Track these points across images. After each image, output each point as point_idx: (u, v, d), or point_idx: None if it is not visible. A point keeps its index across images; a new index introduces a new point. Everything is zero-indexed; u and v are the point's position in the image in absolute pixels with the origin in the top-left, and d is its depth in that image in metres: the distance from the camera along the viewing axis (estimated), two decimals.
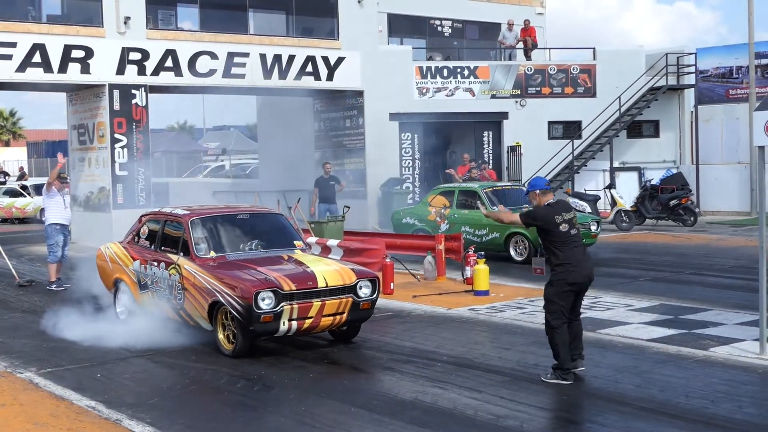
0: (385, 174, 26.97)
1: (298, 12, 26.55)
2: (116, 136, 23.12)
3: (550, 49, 32.05)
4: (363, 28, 27.03)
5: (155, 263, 11.27)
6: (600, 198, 25.77)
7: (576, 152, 28.50)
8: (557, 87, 29.37)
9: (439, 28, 31.52)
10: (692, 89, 30.17)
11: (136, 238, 12.16)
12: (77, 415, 8.02)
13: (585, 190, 27.77)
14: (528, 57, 29.97)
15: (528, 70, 29.21)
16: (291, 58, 25.64)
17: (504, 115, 29.00)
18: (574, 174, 28.63)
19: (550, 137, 29.34)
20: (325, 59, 26.28)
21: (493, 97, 28.91)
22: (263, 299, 9.55)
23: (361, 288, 10.23)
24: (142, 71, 23.41)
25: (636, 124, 29.86)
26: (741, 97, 28.37)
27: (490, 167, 28.71)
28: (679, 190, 25.67)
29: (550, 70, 29.44)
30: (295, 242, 11.37)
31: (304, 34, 26.37)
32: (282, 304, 9.65)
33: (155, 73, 23.60)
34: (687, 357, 9.64)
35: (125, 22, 23.09)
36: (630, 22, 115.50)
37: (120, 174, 23.16)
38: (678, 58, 29.93)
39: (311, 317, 9.88)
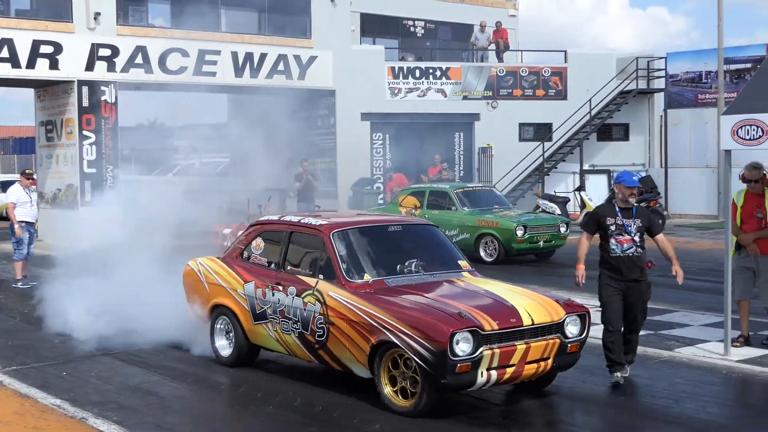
0: (356, 174, 26.95)
1: (270, 10, 26.49)
2: (85, 133, 22.95)
3: (521, 51, 32.19)
4: (336, 27, 26.99)
5: (280, 287, 8.87)
6: (570, 200, 25.92)
7: (546, 154, 28.63)
8: (529, 89, 29.49)
9: (412, 29, 31.58)
10: (662, 93, 30.42)
11: (246, 253, 9.73)
12: (42, 414, 7.95)
13: (555, 192, 27.91)
14: (500, 59, 30.07)
15: (500, 71, 29.31)
16: (263, 56, 25.58)
17: (475, 116, 29.08)
18: (545, 176, 28.77)
19: (521, 139, 29.46)
20: (297, 58, 26.23)
21: (465, 98, 28.98)
22: (458, 342, 7.28)
23: (568, 325, 7.99)
24: (111, 68, 23.25)
25: (606, 127, 30.04)
26: (710, 101, 28.61)
27: (461, 168, 28.79)
28: (647, 193, 25.81)
29: (522, 72, 29.55)
30: (459, 262, 9.09)
31: (277, 33, 26.30)
32: (481, 349, 7.38)
33: (125, 69, 23.45)
34: (652, 357, 9.72)
35: (95, 18, 22.92)
36: (603, 26, 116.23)
37: (88, 171, 22.99)
38: (648, 62, 30.16)
39: (513, 365, 7.59)
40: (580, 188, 26.84)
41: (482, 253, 18.39)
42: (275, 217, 9.93)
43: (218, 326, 9.71)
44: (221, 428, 7.71)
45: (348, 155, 26.86)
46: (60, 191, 23.78)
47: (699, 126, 29.11)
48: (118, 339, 10.59)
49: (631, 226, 8.73)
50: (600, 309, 8.83)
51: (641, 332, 10.83)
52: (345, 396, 8.33)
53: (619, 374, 8.64)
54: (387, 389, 7.79)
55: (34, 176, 16.49)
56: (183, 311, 10.39)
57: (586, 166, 29.16)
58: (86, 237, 20.37)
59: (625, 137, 30.84)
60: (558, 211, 23.42)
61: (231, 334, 9.54)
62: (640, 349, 9.81)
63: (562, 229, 18.60)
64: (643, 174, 28.36)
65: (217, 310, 9.71)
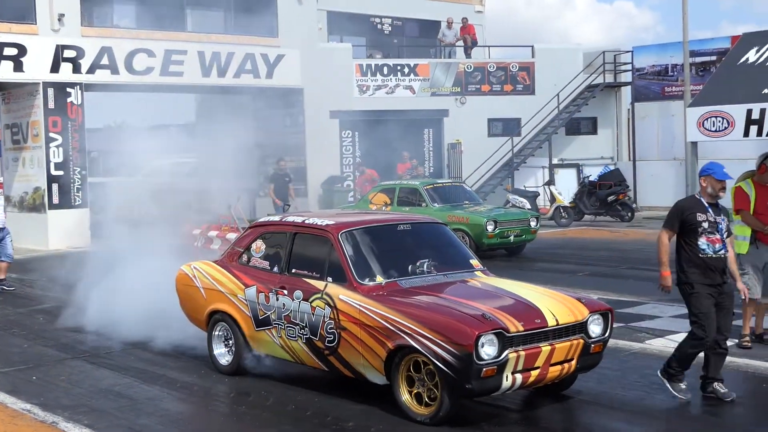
0: (326, 172, 26.93)
1: (236, 9, 26.37)
2: (51, 135, 22.75)
3: (489, 47, 32.28)
4: (302, 25, 26.93)
5: (285, 291, 8.46)
6: (539, 194, 26.04)
7: (515, 149, 28.74)
8: (497, 85, 29.60)
9: (379, 26, 31.58)
10: (629, 87, 30.64)
11: (245, 256, 9.27)
12: (12, 419, 7.87)
13: (524, 186, 28.04)
14: (467, 55, 30.15)
15: (468, 67, 29.38)
16: (230, 55, 25.48)
17: (444, 112, 29.16)
18: (514, 171, 28.87)
19: (490, 134, 29.57)
20: (265, 57, 26.15)
21: (434, 94, 29.03)
22: (483, 345, 6.97)
23: (591, 325, 7.67)
24: (77, 69, 23.05)
25: (574, 122, 30.21)
26: (676, 94, 28.84)
27: (431, 164, 28.82)
28: (616, 186, 26.05)
29: (490, 67, 29.64)
30: (471, 261, 8.77)
31: (243, 32, 26.18)
32: (507, 352, 7.09)
33: (91, 71, 23.27)
34: (624, 350, 9.78)
35: (59, 19, 22.70)
36: (571, 21, 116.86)
37: (55, 174, 22.79)
38: (615, 56, 30.36)
39: (538, 367, 7.30)
40: (550, 182, 26.98)
41: None
42: (277, 218, 9.51)
43: (216, 333, 9.30)
44: (194, 430, 7.68)
45: (317, 153, 26.84)
46: (27, 194, 23.56)
47: (666, 119, 29.35)
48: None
49: (722, 223, 7.96)
50: (694, 320, 7.89)
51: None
52: (326, 397, 8.32)
53: (685, 385, 7.99)
54: (405, 396, 7.46)
55: (1, 180, 16.21)
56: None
57: (555, 161, 29.31)
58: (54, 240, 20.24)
59: (593, 131, 31.02)
60: (528, 206, 23.51)
61: (230, 342, 9.14)
62: (611, 341, 9.60)
63: (533, 224, 18.68)
64: (612, 167, 28.56)
65: (215, 317, 9.28)
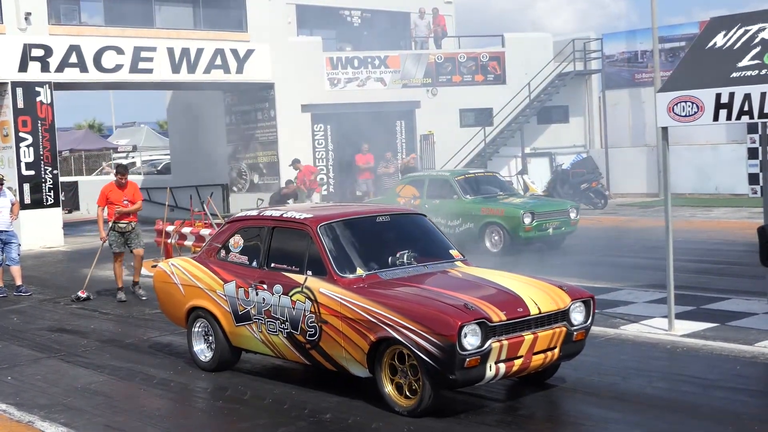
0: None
1: (205, 4, 26.26)
2: (21, 135, 22.55)
3: (459, 37, 32.30)
4: (272, 19, 26.85)
5: (264, 286, 8.40)
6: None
7: (488, 139, 28.78)
8: (467, 75, 29.61)
9: (349, 19, 31.48)
10: (599, 74, 30.73)
11: (224, 251, 9.19)
12: None
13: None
14: (438, 45, 30.17)
15: (438, 58, 29.39)
16: (199, 51, 25.35)
17: (416, 104, 29.14)
18: (487, 161, 28.90)
19: (462, 125, 29.57)
20: (234, 52, 26.04)
21: (405, 86, 29.01)
22: (466, 335, 6.95)
23: (573, 312, 7.70)
24: (45, 68, 22.86)
25: (546, 110, 30.25)
26: (646, 80, 28.99)
27: (404, 156, 28.81)
28: (589, 174, 26.16)
29: (460, 58, 29.65)
30: (451, 251, 8.72)
31: (212, 27, 26.08)
32: (490, 341, 7.08)
33: (60, 69, 23.08)
34: (599, 336, 9.80)
35: (26, 18, 22.49)
36: (543, 10, 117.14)
37: (26, 174, 22.59)
38: (585, 43, 30.42)
39: (521, 356, 7.31)
40: (523, 172, 27.06)
41: (487, 244, 17.11)
42: (254, 213, 9.43)
43: (196, 330, 9.23)
44: (171, 426, 7.65)
45: (290, 148, 26.79)
46: None
47: (637, 105, 29.49)
48: None
49: None
50: None
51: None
52: (313, 393, 8.31)
53: None
54: (388, 388, 7.43)
55: (3, 179, 15.50)
56: None
57: (527, 150, 29.38)
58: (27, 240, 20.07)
59: (565, 119, 31.10)
60: None
61: (210, 338, 9.08)
62: None
63: (572, 215, 17.43)
64: (584, 155, 28.68)
65: (194, 313, 9.20)
